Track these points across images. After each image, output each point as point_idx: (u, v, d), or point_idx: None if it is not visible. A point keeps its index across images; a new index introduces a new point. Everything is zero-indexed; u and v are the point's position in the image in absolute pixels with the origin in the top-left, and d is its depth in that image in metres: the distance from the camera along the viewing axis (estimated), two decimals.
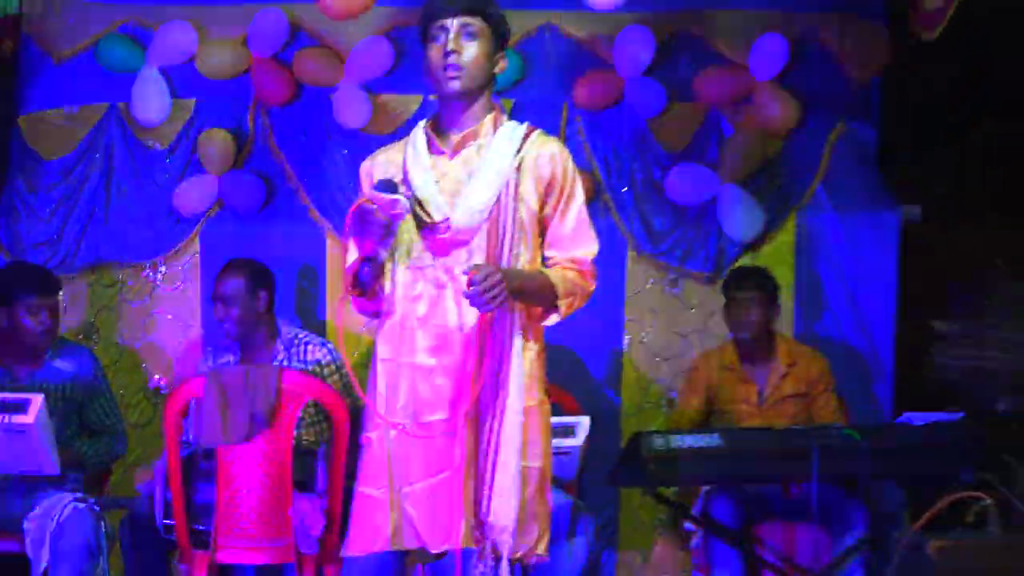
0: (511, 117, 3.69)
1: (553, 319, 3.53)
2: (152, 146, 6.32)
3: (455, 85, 3.47)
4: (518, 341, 3.48)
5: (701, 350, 6.01)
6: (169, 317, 6.32)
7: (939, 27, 5.23)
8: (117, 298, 6.31)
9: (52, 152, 6.30)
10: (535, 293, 3.49)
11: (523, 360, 3.49)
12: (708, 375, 5.61)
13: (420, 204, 3.49)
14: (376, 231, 3.38)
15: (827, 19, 6.26)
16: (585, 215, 3.60)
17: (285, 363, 5.24)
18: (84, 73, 6.28)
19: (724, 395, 5.55)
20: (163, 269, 6.32)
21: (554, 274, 3.52)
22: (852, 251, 6.25)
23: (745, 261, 6.15)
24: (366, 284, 3.53)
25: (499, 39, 3.56)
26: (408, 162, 3.56)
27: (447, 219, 3.47)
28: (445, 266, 3.50)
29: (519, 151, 3.51)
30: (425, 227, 3.51)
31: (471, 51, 3.48)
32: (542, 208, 3.56)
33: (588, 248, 3.58)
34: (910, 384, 6.13)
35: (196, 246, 6.31)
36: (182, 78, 6.28)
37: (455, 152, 3.54)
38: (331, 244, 6.23)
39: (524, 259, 3.52)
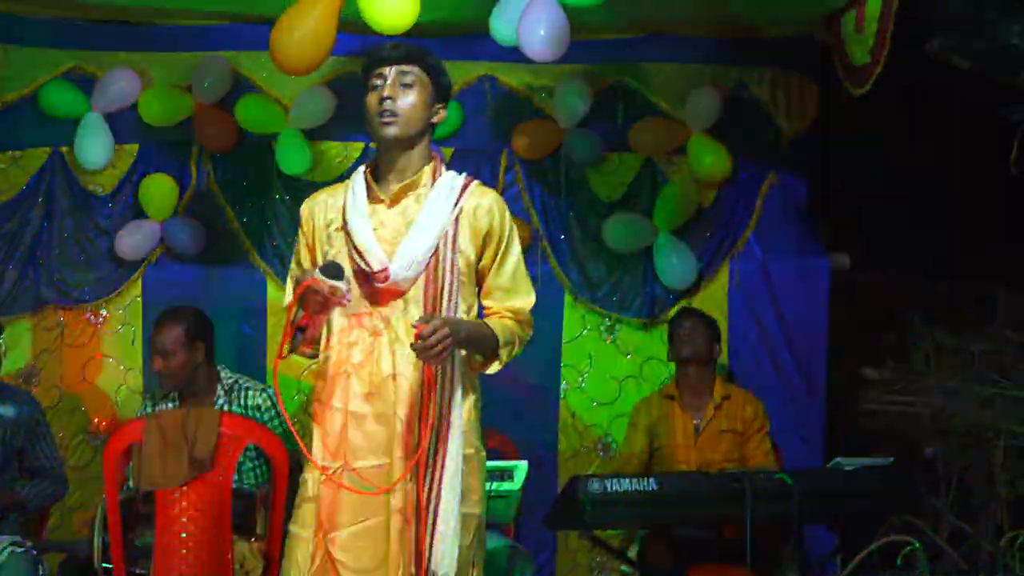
0: (451, 165, 3.74)
1: (494, 368, 3.51)
2: (95, 191, 6.29)
3: (390, 131, 3.47)
4: (458, 391, 3.46)
5: (637, 395, 6.01)
6: (111, 360, 6.27)
7: (868, 83, 5.21)
8: (58, 341, 6.22)
9: None
10: (477, 343, 3.47)
11: (463, 409, 3.48)
12: (648, 413, 5.60)
13: (359, 252, 3.47)
14: (313, 305, 3.32)
15: (760, 74, 6.34)
16: (522, 266, 3.60)
17: (225, 407, 5.14)
18: (28, 118, 6.22)
19: (663, 428, 5.54)
20: (105, 313, 6.26)
21: (494, 324, 3.51)
22: (784, 298, 6.30)
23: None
24: (303, 343, 3.47)
25: (439, 91, 3.57)
26: (347, 209, 3.53)
27: (386, 268, 3.43)
28: (382, 315, 3.48)
29: (457, 202, 3.51)
30: (363, 275, 3.48)
31: (408, 99, 3.48)
32: (479, 259, 3.55)
33: (525, 298, 3.58)
34: (841, 429, 6.15)
35: (138, 290, 6.25)
36: (125, 124, 6.22)
37: (394, 201, 3.53)
38: (272, 288, 6.18)
39: (462, 309, 3.51)
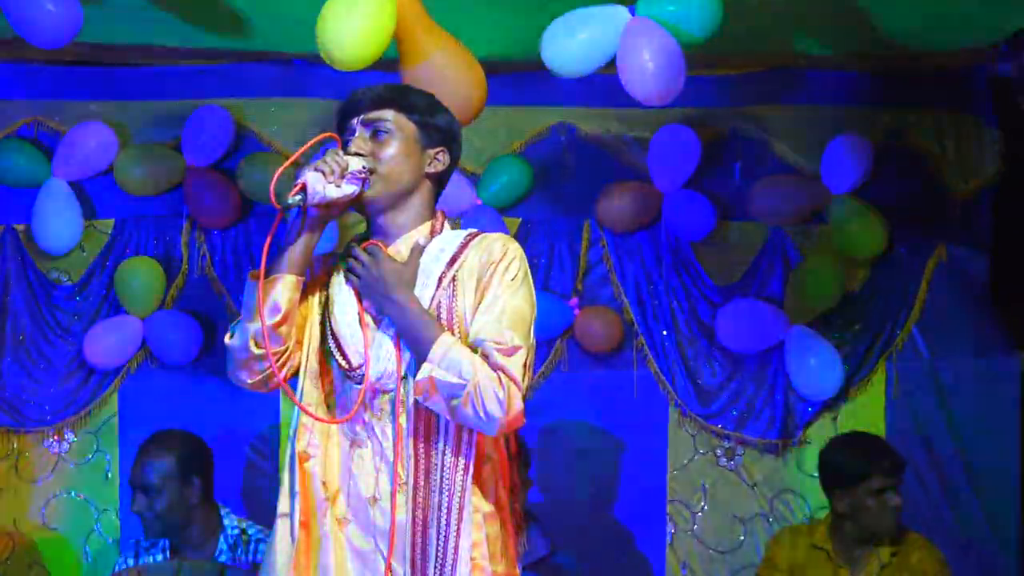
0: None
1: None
2: (58, 279, 6.22)
3: (367, 193, 3.40)
4: (468, 507, 3.34)
5: (768, 539, 5.81)
6: (79, 499, 6.16)
7: None
8: (12, 474, 6.14)
9: None
10: (420, 325, 3.31)
11: (475, 535, 3.36)
12: (792, 554, 5.43)
13: (336, 341, 3.43)
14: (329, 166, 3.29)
15: (920, 117, 6.18)
16: (520, 312, 3.35)
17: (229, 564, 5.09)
18: None
19: None
20: (71, 437, 6.16)
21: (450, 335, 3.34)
22: (960, 410, 6.10)
23: (822, 425, 6.04)
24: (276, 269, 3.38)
25: (430, 133, 3.50)
26: (333, 286, 3.51)
27: (361, 364, 3.38)
28: (364, 421, 3.39)
29: (453, 263, 3.40)
30: (342, 372, 3.43)
31: (386, 151, 3.44)
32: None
33: (507, 335, 3.30)
34: None
35: (114, 407, 6.16)
36: (97, 193, 6.18)
37: None
38: (286, 405, 6.01)
39: None
